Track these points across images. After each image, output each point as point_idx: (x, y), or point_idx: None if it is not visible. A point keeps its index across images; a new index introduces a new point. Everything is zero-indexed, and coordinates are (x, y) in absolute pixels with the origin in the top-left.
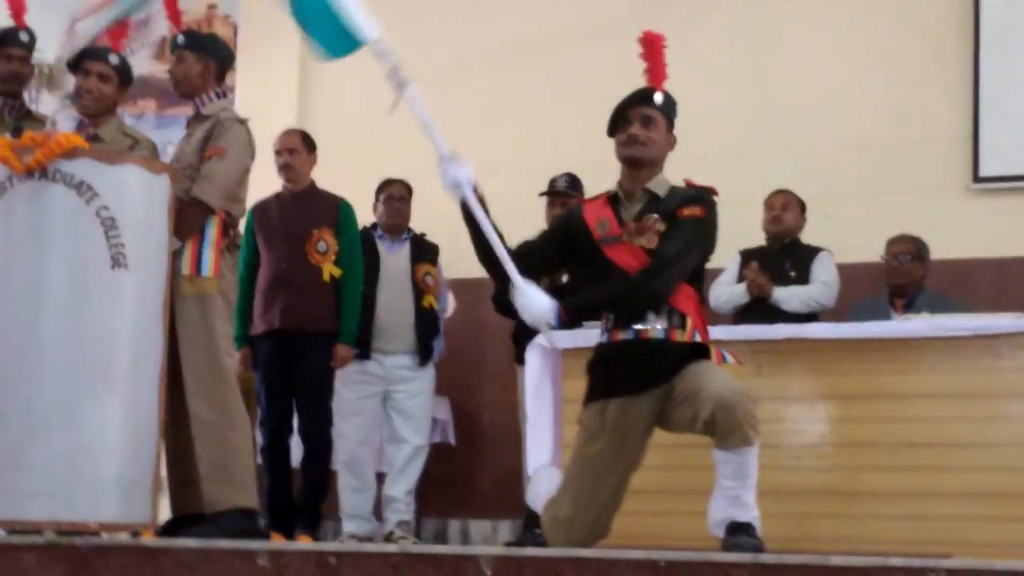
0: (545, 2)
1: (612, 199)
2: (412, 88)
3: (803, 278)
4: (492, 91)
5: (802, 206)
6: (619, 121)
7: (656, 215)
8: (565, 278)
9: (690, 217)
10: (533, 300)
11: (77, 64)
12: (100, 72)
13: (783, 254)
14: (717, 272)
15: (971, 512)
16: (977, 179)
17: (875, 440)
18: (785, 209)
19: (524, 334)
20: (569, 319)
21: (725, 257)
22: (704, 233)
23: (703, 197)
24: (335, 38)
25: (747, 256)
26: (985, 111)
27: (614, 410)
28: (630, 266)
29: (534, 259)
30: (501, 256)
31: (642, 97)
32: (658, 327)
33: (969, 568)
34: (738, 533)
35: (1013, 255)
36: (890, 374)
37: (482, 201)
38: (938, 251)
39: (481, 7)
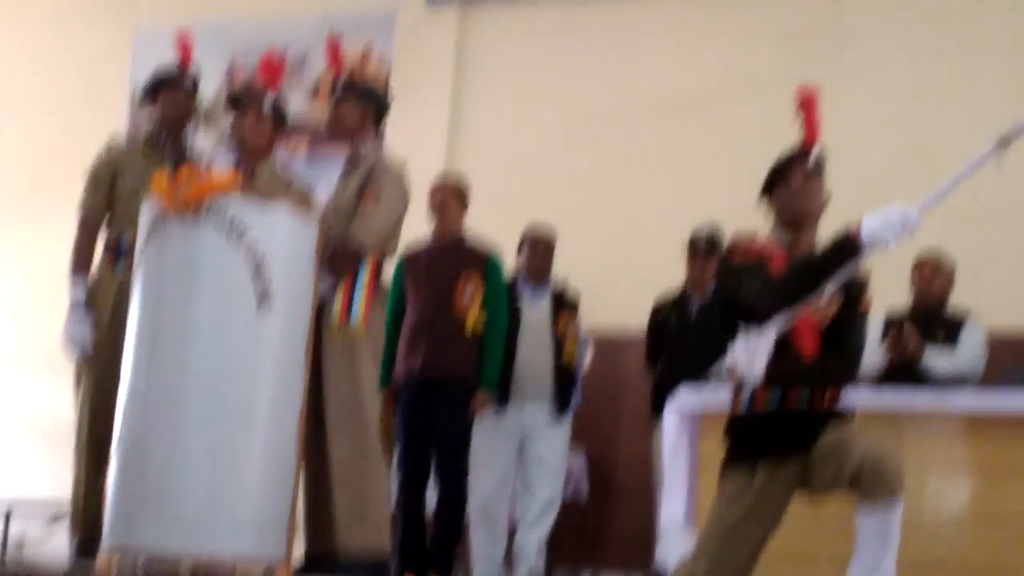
0: (693, 60)
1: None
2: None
3: (951, 345)
4: (640, 143)
5: (952, 271)
6: (778, 178)
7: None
8: None
9: (866, 309)
10: (760, 351)
11: (235, 104)
12: (256, 114)
13: (931, 320)
14: None
15: None
16: None
17: (1018, 514)
18: (935, 274)
19: (662, 391)
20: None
21: None
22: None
23: (868, 284)
24: None
25: (893, 322)
26: None
27: (763, 473)
28: (801, 336)
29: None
30: (792, 313)
31: (802, 154)
32: (803, 398)
33: None
34: None
35: None
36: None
37: None
38: None
39: (633, 62)
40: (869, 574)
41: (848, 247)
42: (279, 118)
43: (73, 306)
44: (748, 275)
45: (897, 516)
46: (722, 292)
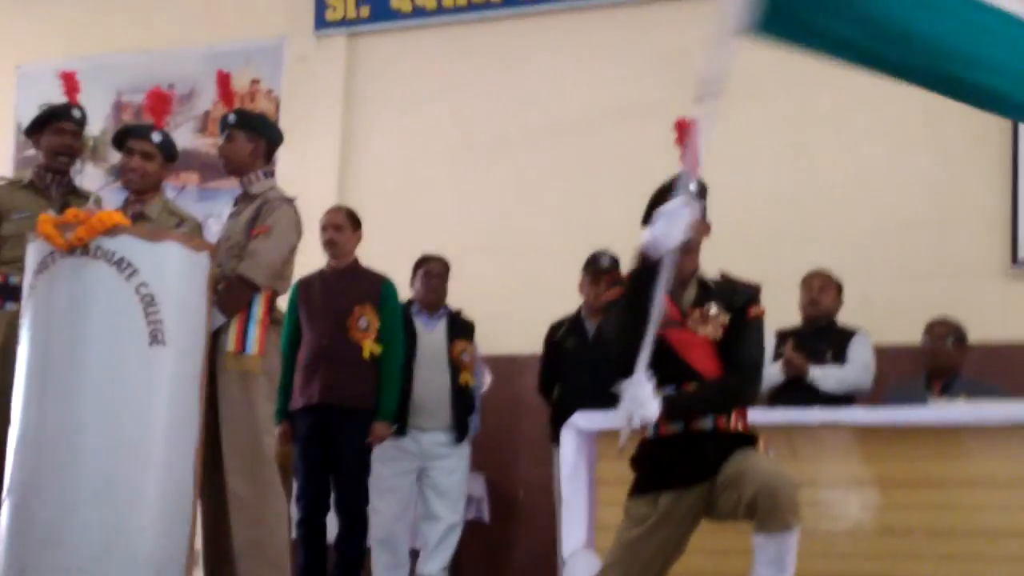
0: (584, 83)
1: None
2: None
3: (840, 359)
4: (532, 167)
5: (839, 288)
6: (657, 206)
7: (714, 305)
8: None
9: (756, 318)
10: (644, 395)
11: (121, 142)
12: (144, 150)
13: (820, 335)
14: None
15: None
16: (1016, 262)
17: (911, 527)
18: (823, 291)
19: (561, 415)
20: (666, 417)
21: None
22: (763, 332)
23: (757, 296)
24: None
25: (783, 336)
26: (1022, 192)
27: (666, 501)
28: (692, 357)
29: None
30: (647, 340)
31: (679, 183)
32: (708, 419)
33: None
34: None
35: None
36: (926, 460)
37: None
38: (976, 334)
39: (523, 86)
40: None
41: (639, 259)
42: (168, 153)
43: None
44: (611, 310)
45: (791, 543)
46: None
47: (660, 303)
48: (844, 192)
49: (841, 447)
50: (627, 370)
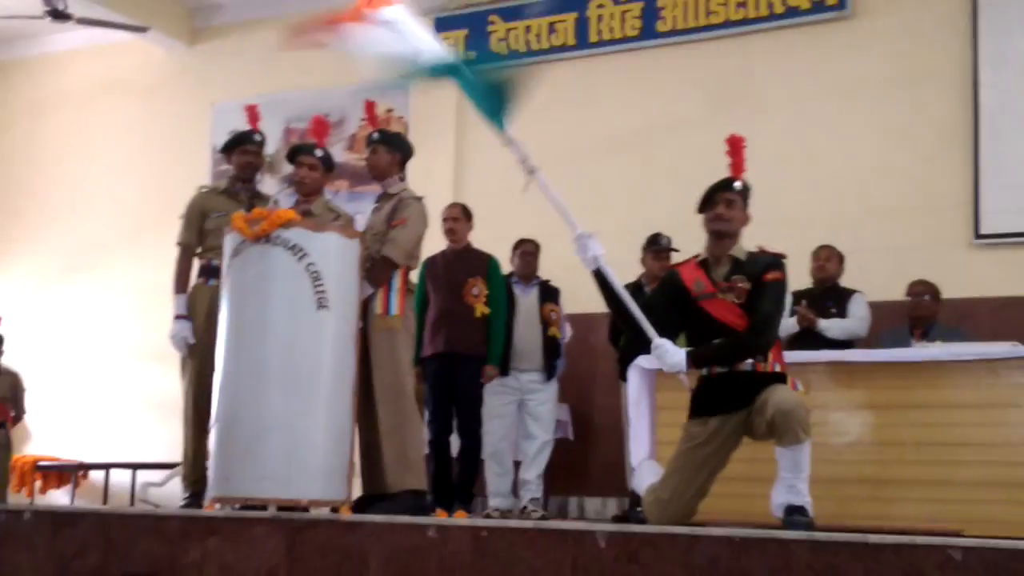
0: (638, 102)
1: (702, 263)
2: (540, 175)
3: (842, 314)
4: (599, 174)
5: (841, 257)
6: (707, 203)
7: (742, 277)
8: None
9: (774, 281)
10: (669, 353)
11: (293, 157)
12: (310, 163)
13: (826, 295)
14: None
15: (978, 497)
16: (978, 236)
17: (900, 440)
18: (828, 260)
19: (627, 358)
20: (694, 366)
21: None
22: (784, 292)
23: (778, 263)
24: (491, 113)
25: (797, 296)
26: (983, 182)
27: (715, 424)
28: (726, 318)
29: (656, 315)
30: (638, 317)
31: (725, 184)
32: (748, 363)
33: (982, 547)
34: (794, 514)
35: (1007, 295)
36: (911, 389)
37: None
38: (948, 292)
39: (588, 107)
40: (787, 493)
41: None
42: (327, 165)
43: (176, 316)
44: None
45: (805, 452)
46: None
47: (624, 295)
48: (841, 184)
49: (844, 380)
50: (642, 338)
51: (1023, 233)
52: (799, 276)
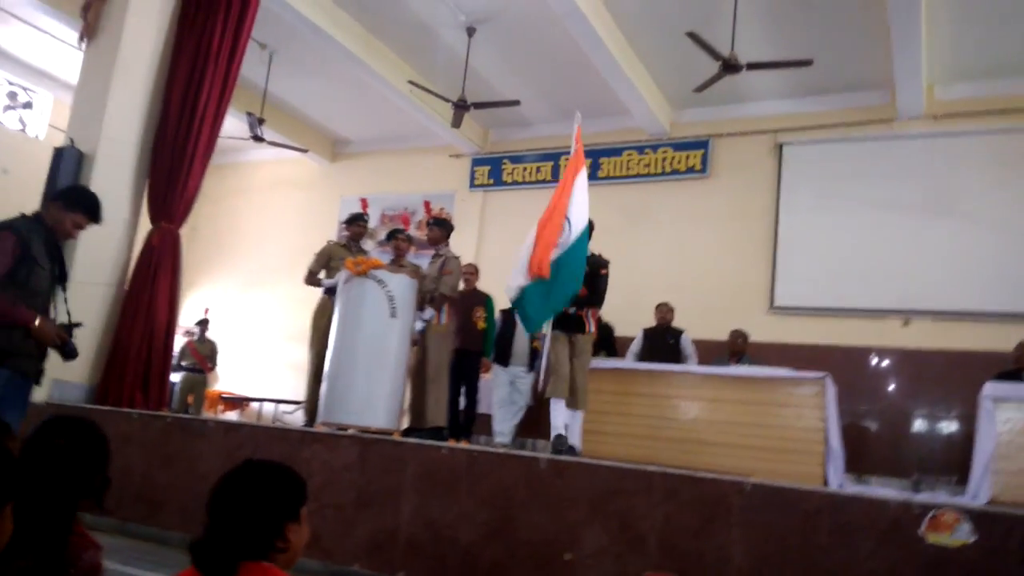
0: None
1: None
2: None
3: (676, 344)
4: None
5: (672, 310)
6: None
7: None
8: None
9: (604, 273)
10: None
11: (391, 236)
12: (401, 239)
13: (666, 332)
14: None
15: (761, 457)
16: (772, 307)
17: (721, 420)
18: (668, 312)
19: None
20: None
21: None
22: (606, 280)
23: (607, 263)
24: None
25: (647, 332)
26: (777, 276)
27: (565, 336)
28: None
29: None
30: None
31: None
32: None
33: (761, 484)
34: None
35: (789, 343)
36: (728, 391)
37: None
38: (753, 339)
39: None
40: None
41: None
42: (409, 240)
43: (326, 287)
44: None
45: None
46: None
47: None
48: (696, 271)
49: (694, 384)
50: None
51: (798, 308)
52: (648, 321)
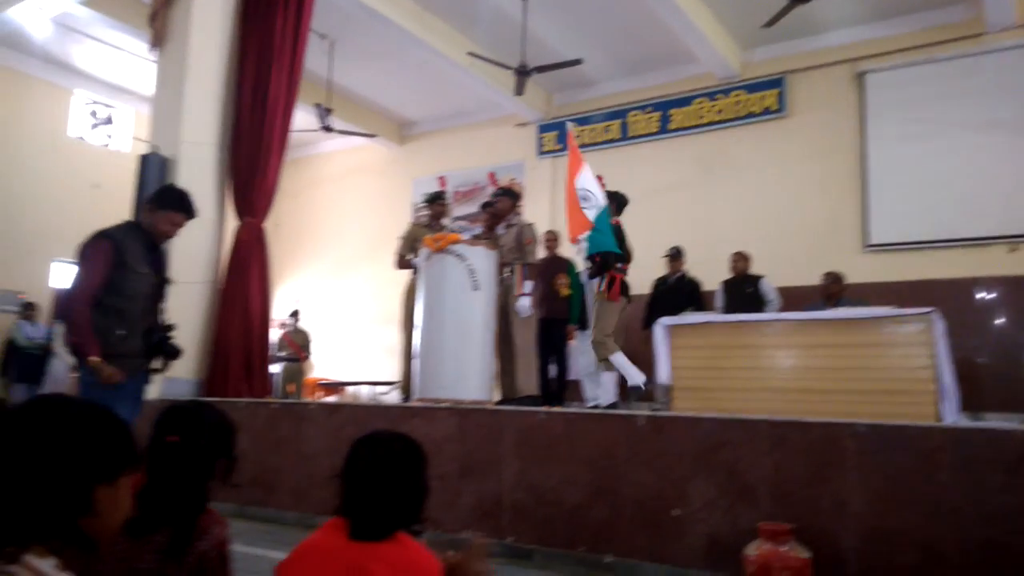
0: (658, 171)
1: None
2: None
3: (756, 292)
4: (637, 215)
5: (748, 257)
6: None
7: None
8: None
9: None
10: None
11: (485, 206)
12: (490, 211)
13: (744, 281)
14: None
15: (867, 400)
16: (867, 246)
17: (823, 367)
18: (739, 260)
19: (650, 320)
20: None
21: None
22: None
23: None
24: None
25: (726, 283)
26: (870, 211)
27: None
28: None
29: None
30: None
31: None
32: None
33: (875, 424)
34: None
35: (889, 281)
36: (826, 335)
37: None
38: (849, 279)
39: (629, 177)
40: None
41: None
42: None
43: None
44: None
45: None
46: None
47: None
48: (781, 217)
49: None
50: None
51: (895, 243)
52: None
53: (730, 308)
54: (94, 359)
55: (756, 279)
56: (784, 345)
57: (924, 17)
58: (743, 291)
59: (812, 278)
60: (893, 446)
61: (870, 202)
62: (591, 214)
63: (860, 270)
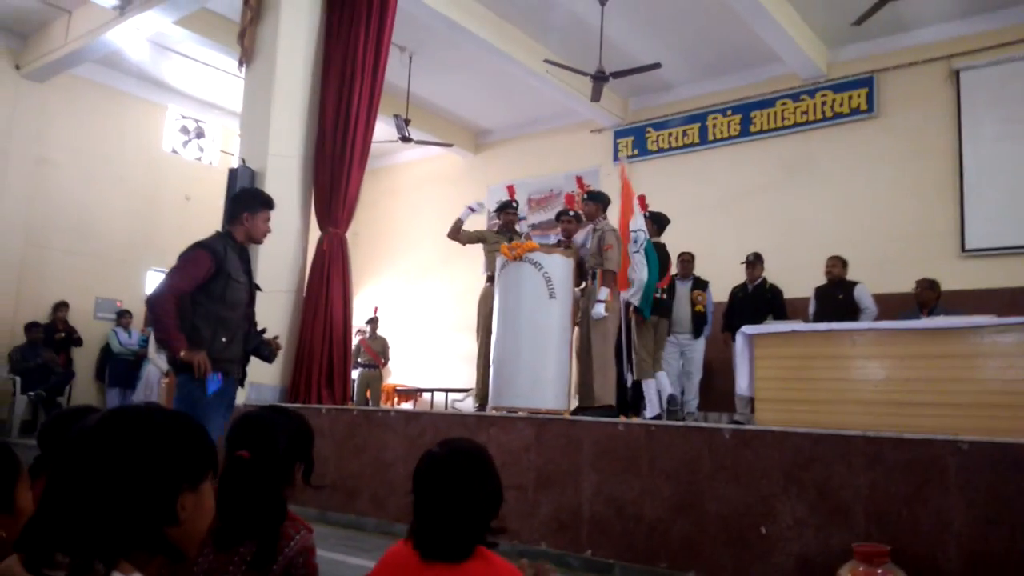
0: (739, 175)
1: None
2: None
3: (848, 298)
4: (716, 219)
5: (845, 262)
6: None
7: None
8: None
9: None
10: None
11: (559, 218)
12: (566, 220)
13: (836, 287)
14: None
15: (969, 414)
16: (963, 251)
17: (917, 378)
18: (834, 266)
19: (733, 328)
20: None
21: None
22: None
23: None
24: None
25: (817, 291)
26: (967, 217)
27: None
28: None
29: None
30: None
31: None
32: None
33: (978, 441)
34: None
35: (987, 287)
36: (921, 345)
37: None
38: (945, 286)
39: (706, 180)
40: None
41: None
42: (575, 217)
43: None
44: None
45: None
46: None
47: None
48: (873, 221)
49: (885, 340)
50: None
51: (994, 248)
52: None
53: (820, 315)
54: (184, 353)
55: (851, 285)
56: (876, 356)
57: (1021, 11)
58: (835, 298)
59: (904, 285)
60: (998, 464)
61: (966, 205)
62: (638, 259)
63: (956, 277)
